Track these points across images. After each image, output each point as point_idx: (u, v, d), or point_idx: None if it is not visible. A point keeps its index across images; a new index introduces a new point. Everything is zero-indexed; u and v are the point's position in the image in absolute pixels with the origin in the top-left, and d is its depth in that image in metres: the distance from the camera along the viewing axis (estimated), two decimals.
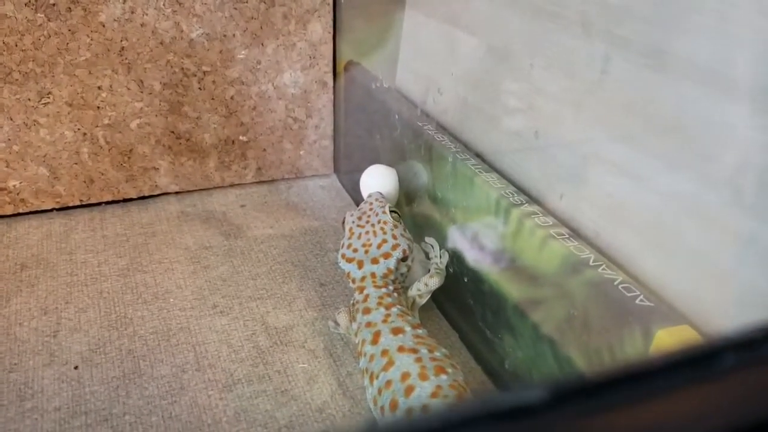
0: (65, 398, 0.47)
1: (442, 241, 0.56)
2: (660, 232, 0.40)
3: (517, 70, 0.50)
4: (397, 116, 0.61)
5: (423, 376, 0.42)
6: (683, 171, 0.38)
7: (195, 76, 0.67)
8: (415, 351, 0.44)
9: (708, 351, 0.15)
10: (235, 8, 0.65)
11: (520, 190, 0.49)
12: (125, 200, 0.72)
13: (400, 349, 0.44)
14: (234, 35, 0.67)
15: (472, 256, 0.52)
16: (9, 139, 0.63)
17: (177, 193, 0.74)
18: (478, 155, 0.55)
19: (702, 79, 0.35)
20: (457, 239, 0.54)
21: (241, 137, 0.73)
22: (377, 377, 0.44)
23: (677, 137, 0.38)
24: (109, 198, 0.71)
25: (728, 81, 0.34)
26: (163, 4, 0.62)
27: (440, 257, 0.55)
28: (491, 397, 0.13)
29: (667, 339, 0.36)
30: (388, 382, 0.43)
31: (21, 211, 0.68)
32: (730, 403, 0.15)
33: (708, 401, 0.15)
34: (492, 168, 0.53)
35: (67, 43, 0.61)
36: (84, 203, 0.70)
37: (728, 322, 0.36)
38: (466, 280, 0.52)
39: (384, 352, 0.45)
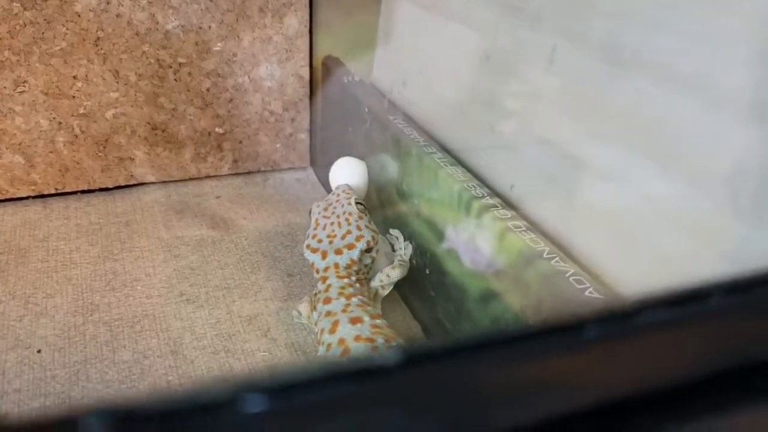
0: (26, 380, 0.47)
1: (407, 234, 0.56)
2: (621, 231, 0.40)
3: (479, 64, 0.51)
4: (366, 109, 0.62)
5: None
6: (647, 171, 0.38)
7: (171, 67, 0.68)
8: (371, 341, 0.44)
9: (574, 321, 0.15)
10: (211, 0, 0.66)
11: (481, 181, 0.50)
12: (101, 189, 0.73)
13: (357, 338, 0.45)
14: (210, 27, 0.67)
15: (434, 249, 0.53)
16: None
17: (153, 183, 0.75)
18: (444, 148, 0.55)
19: (657, 74, 0.36)
20: (420, 232, 0.55)
21: (217, 129, 0.73)
22: None
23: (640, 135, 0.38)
24: (85, 187, 0.71)
25: (688, 77, 0.34)
26: None
27: (404, 249, 0.55)
28: (348, 359, 0.14)
29: None
30: None
31: None
32: (595, 374, 0.16)
33: (572, 371, 0.16)
34: (457, 161, 0.53)
35: (43, 33, 0.62)
36: (59, 192, 0.71)
37: None
38: (428, 272, 0.53)
39: (341, 341, 0.45)
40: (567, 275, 0.40)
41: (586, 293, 0.38)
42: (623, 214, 0.39)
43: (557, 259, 0.41)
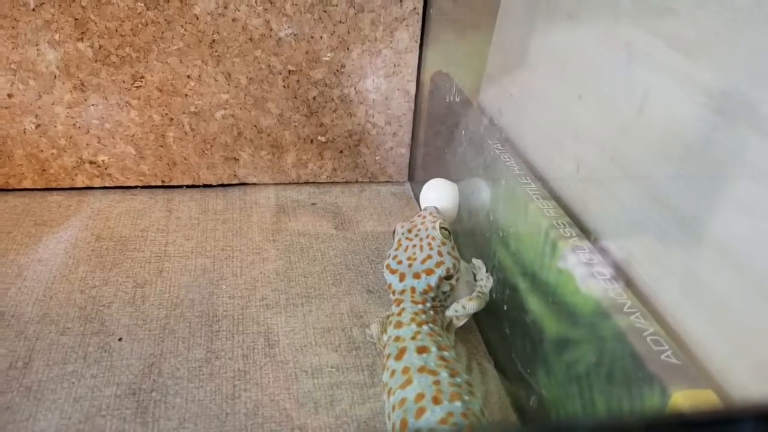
0: (103, 367, 0.49)
1: (490, 265, 0.54)
2: (704, 286, 0.37)
3: (568, 99, 0.48)
4: (463, 131, 0.61)
5: (437, 400, 0.41)
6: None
7: (280, 74, 0.69)
8: (435, 373, 0.43)
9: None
10: (325, 11, 0.66)
11: (574, 219, 0.48)
12: (205, 186, 0.75)
13: (421, 369, 0.44)
14: (321, 37, 0.68)
15: (516, 284, 0.51)
16: (102, 117, 0.68)
17: (254, 184, 0.77)
18: (541, 180, 0.53)
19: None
20: (505, 264, 0.53)
21: (319, 137, 0.74)
22: (394, 393, 0.43)
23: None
24: (190, 182, 0.74)
25: None
26: (255, 2, 0.64)
27: (485, 281, 0.54)
28: None
29: (683, 402, 0.33)
30: (403, 401, 0.42)
31: (107, 185, 0.72)
32: None
33: None
34: (553, 195, 0.51)
35: (163, 32, 0.64)
36: (165, 184, 0.74)
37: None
38: (505, 308, 0.51)
39: (405, 370, 0.44)
40: (645, 334, 0.37)
41: (662, 357, 0.36)
42: (712, 274, 0.36)
43: (638, 314, 0.38)
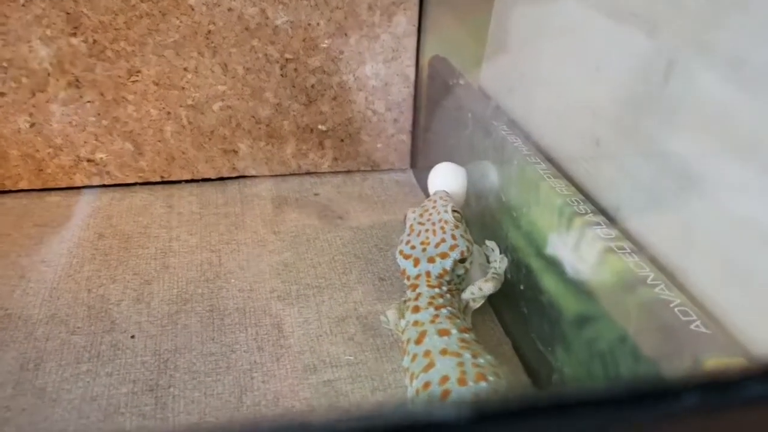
0: (117, 365, 0.48)
1: (503, 246, 0.54)
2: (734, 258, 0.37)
3: (584, 73, 0.48)
4: (469, 114, 0.60)
5: (462, 382, 0.41)
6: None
7: (278, 62, 0.68)
8: (458, 355, 0.43)
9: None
10: None
11: (587, 196, 0.47)
12: (204, 180, 0.74)
13: (443, 351, 0.43)
14: (318, 24, 0.67)
15: (531, 264, 0.50)
16: (99, 114, 0.66)
17: (254, 176, 0.76)
18: (551, 160, 0.53)
19: None
20: (518, 245, 0.52)
21: (319, 126, 0.73)
22: (417, 377, 0.43)
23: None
24: (189, 177, 0.73)
25: None
26: None
27: (499, 262, 0.53)
28: (409, 409, 0.12)
29: None
30: (427, 384, 0.42)
31: (106, 182, 0.71)
32: None
33: None
34: (562, 174, 0.51)
35: (158, 25, 0.63)
36: (164, 180, 0.73)
37: None
38: (522, 288, 0.51)
39: (426, 353, 0.44)
40: (672, 305, 0.37)
41: (692, 327, 0.35)
42: (741, 240, 0.36)
43: (662, 286, 0.38)
